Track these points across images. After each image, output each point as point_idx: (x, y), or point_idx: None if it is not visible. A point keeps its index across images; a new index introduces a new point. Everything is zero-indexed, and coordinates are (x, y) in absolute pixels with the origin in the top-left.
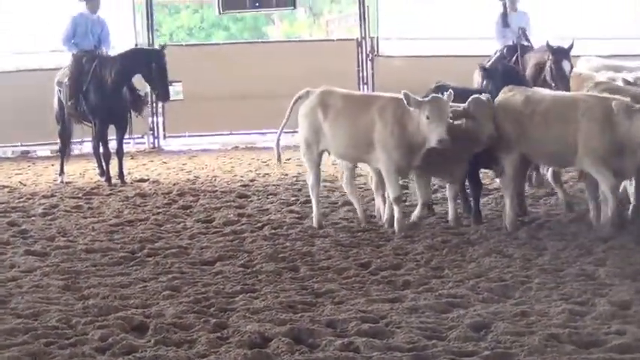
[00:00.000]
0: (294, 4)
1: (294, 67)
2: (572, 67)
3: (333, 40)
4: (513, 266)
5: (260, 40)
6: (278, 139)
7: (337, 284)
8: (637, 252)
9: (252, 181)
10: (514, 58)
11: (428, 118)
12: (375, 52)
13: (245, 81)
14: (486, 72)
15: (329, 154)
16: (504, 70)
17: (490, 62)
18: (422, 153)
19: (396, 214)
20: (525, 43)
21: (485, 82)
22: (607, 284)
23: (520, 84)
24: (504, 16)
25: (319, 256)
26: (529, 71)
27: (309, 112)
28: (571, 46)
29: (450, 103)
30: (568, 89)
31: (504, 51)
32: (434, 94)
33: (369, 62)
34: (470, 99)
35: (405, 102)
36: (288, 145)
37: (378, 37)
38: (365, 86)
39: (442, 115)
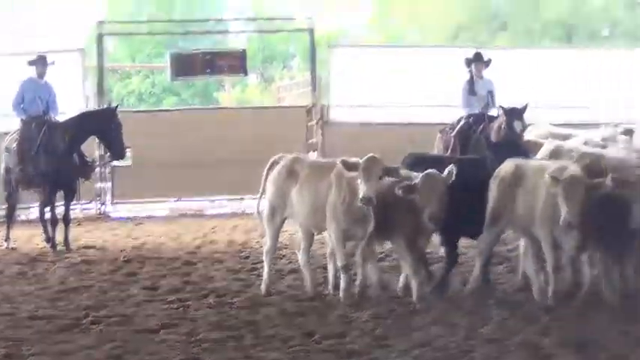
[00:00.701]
0: (245, 71)
1: (244, 134)
2: (524, 127)
3: (284, 107)
4: (458, 335)
5: (211, 107)
6: (258, 208)
7: (282, 353)
8: (581, 321)
9: (198, 248)
10: (481, 126)
11: (359, 178)
12: (326, 119)
13: (195, 147)
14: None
15: (294, 221)
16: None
17: (456, 130)
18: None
19: (343, 282)
20: (490, 112)
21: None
22: (552, 354)
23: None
24: (471, 83)
25: (264, 325)
26: (493, 137)
27: (277, 178)
28: (524, 108)
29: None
30: (520, 148)
31: (471, 119)
32: (371, 155)
33: (318, 129)
34: (422, 175)
35: (344, 167)
36: (236, 212)
37: (328, 104)
38: (315, 153)
39: (369, 175)
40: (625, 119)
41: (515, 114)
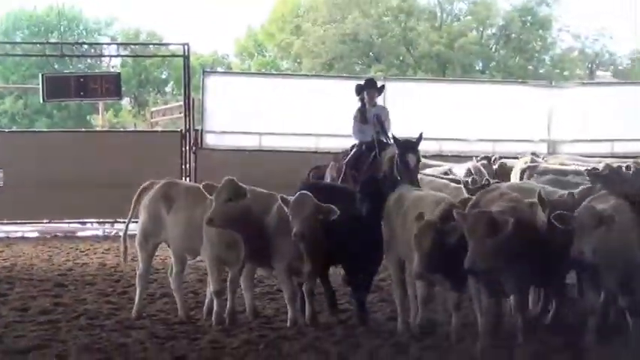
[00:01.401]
0: (119, 95)
1: (117, 157)
2: (418, 160)
3: (157, 132)
4: None
5: (84, 130)
6: (125, 233)
7: None
8: (452, 351)
9: (69, 270)
10: (372, 154)
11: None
12: (199, 145)
13: (67, 170)
14: None
15: (168, 246)
16: None
17: (348, 158)
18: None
19: (215, 307)
20: (384, 139)
21: None
22: None
23: None
24: (362, 111)
25: (134, 348)
26: (385, 166)
27: (151, 203)
28: (419, 139)
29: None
30: (414, 182)
31: (363, 147)
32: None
33: (192, 154)
34: (295, 196)
35: (205, 191)
36: (107, 235)
37: (202, 130)
38: (188, 178)
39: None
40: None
41: (409, 147)
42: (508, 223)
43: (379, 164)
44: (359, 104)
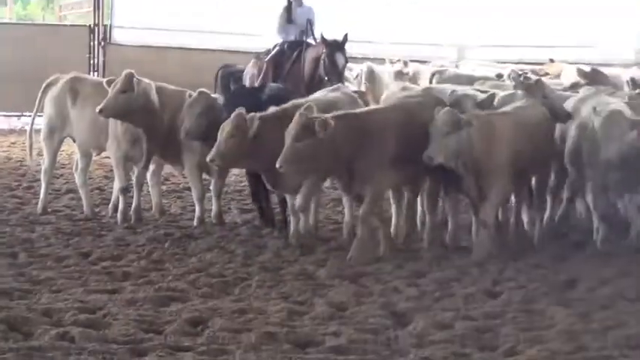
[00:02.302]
0: None
1: (24, 51)
2: (346, 62)
3: (65, 26)
4: (234, 262)
5: None
6: (31, 128)
7: (56, 272)
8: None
9: None
10: (295, 53)
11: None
12: (108, 40)
13: None
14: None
15: (73, 140)
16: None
17: (269, 57)
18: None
19: (121, 205)
20: (309, 40)
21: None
22: (326, 285)
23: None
24: (289, 10)
25: (39, 244)
26: (307, 67)
27: (56, 98)
28: (344, 40)
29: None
30: (342, 83)
31: (285, 46)
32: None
33: (100, 49)
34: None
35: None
36: (14, 129)
37: (111, 25)
38: (95, 74)
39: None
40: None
41: (337, 46)
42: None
43: (302, 64)
44: (285, 3)
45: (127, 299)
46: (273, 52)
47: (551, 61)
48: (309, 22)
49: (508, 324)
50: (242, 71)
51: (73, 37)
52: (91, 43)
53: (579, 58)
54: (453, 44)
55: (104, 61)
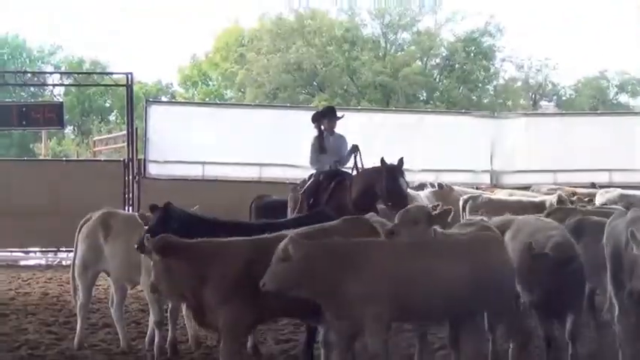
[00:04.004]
0: (61, 124)
1: (60, 186)
2: (407, 185)
3: (100, 160)
4: None
5: (26, 158)
6: (73, 267)
7: None
8: None
9: (11, 299)
10: (333, 183)
11: None
12: (142, 174)
13: (9, 198)
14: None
15: (107, 274)
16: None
17: (305, 188)
18: None
19: (157, 337)
20: (342, 169)
21: None
22: None
23: None
24: (320, 139)
25: None
26: (356, 193)
27: (90, 233)
28: (401, 164)
29: None
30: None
31: (320, 177)
32: None
33: (135, 184)
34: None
35: (141, 220)
36: (50, 265)
37: (145, 159)
38: (131, 208)
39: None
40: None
41: (399, 171)
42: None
43: (343, 192)
44: (315, 133)
45: None
46: (308, 183)
47: (593, 185)
48: (349, 151)
49: None
50: (276, 201)
51: (108, 172)
52: (126, 178)
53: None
54: (486, 170)
55: (139, 195)
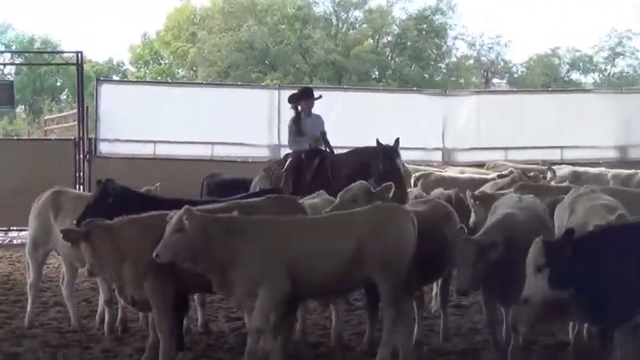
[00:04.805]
0: (12, 103)
1: (11, 165)
2: (403, 166)
3: (50, 140)
4: None
5: None
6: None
7: None
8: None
9: None
10: (316, 161)
11: None
12: (93, 153)
13: None
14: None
15: (58, 253)
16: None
17: (288, 167)
18: None
19: (107, 317)
20: (323, 148)
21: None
22: None
23: None
24: (297, 122)
25: (27, 357)
26: (345, 173)
27: (40, 212)
28: (397, 145)
29: None
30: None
31: (303, 155)
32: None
33: (86, 163)
34: None
35: None
36: (0, 244)
37: (96, 138)
38: (82, 187)
39: None
40: None
41: (394, 151)
42: None
43: (330, 171)
44: (292, 114)
45: None
46: (290, 162)
47: (544, 163)
48: (323, 134)
49: None
50: (228, 180)
51: (59, 151)
52: (77, 157)
53: (564, 157)
54: (438, 147)
55: (89, 174)
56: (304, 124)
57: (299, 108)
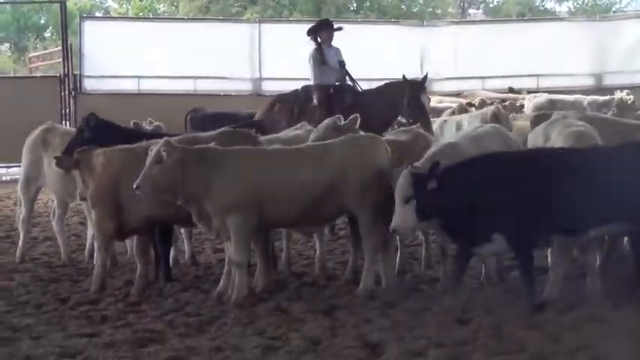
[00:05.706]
0: None
1: None
2: (429, 101)
3: (36, 77)
4: (209, 301)
5: None
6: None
7: (36, 319)
8: (328, 288)
9: None
10: (346, 99)
11: None
12: (78, 90)
13: None
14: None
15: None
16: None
17: (319, 102)
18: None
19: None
20: (349, 83)
21: None
22: (300, 319)
23: None
24: (320, 52)
25: (18, 291)
26: (378, 109)
27: (31, 148)
28: (425, 80)
29: None
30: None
31: (331, 90)
32: None
33: (71, 99)
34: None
35: None
36: None
37: (81, 74)
38: (67, 123)
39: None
40: None
41: (421, 86)
42: None
43: (363, 107)
44: (313, 46)
45: (106, 342)
46: (319, 97)
47: (511, 90)
48: (342, 65)
49: (480, 349)
50: (211, 114)
51: (44, 88)
52: (62, 94)
53: (540, 86)
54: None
55: (75, 110)
56: (327, 54)
57: (319, 39)
